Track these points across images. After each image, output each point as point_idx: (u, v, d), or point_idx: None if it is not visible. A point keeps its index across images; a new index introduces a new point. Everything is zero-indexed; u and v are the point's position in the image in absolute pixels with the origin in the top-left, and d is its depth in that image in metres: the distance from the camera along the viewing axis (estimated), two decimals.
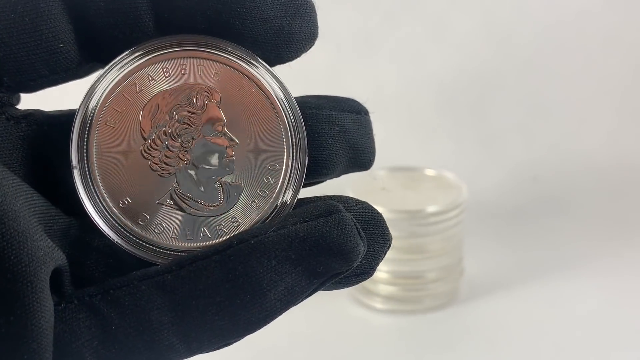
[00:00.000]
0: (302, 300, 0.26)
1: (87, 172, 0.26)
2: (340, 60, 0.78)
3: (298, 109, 0.27)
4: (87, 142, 0.26)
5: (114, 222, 0.27)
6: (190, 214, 0.27)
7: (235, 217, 0.27)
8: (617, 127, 0.80)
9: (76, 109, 0.27)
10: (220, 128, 0.27)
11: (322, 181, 0.29)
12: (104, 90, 0.26)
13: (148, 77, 0.27)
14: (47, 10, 0.26)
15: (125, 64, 0.26)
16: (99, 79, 0.27)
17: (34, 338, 0.23)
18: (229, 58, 0.27)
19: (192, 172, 0.27)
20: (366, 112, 0.29)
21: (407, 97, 0.80)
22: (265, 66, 0.27)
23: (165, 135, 0.27)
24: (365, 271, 0.27)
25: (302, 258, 0.25)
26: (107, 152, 0.27)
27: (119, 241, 0.27)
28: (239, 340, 0.25)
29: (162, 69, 0.27)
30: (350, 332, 0.58)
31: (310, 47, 0.27)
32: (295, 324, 0.53)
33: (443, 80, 0.80)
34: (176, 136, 0.27)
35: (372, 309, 0.60)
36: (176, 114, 0.27)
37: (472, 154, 0.79)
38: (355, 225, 0.25)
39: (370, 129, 0.29)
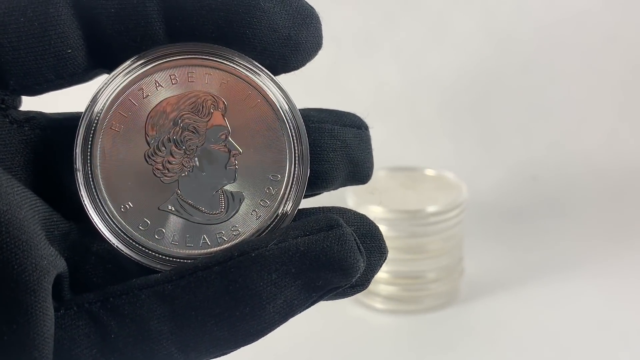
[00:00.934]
0: (299, 313, 0.26)
1: (90, 176, 0.26)
2: (340, 60, 0.78)
3: (302, 120, 0.27)
4: (91, 145, 0.26)
5: (114, 226, 0.27)
6: (191, 221, 0.27)
7: (236, 226, 0.27)
8: (617, 127, 0.80)
9: (80, 112, 0.27)
10: (224, 136, 0.27)
11: (320, 193, 0.30)
12: (111, 94, 0.27)
13: (155, 84, 0.27)
14: (57, 16, 0.26)
15: (133, 70, 0.27)
16: (105, 83, 0.27)
17: (35, 346, 0.23)
18: (235, 68, 0.27)
19: (194, 179, 0.27)
20: (366, 127, 0.30)
21: (407, 97, 0.80)
22: (270, 76, 0.27)
23: (170, 142, 0.27)
24: (360, 283, 0.27)
25: (302, 272, 0.25)
26: (111, 156, 0.27)
27: (119, 246, 0.27)
28: (237, 350, 0.26)
29: (170, 75, 0.27)
30: (350, 332, 0.58)
31: (314, 56, 0.28)
32: (295, 324, 0.53)
33: (443, 80, 0.80)
34: (180, 143, 0.27)
35: (372, 309, 0.60)
36: (181, 120, 0.27)
37: (472, 154, 0.79)
38: (355, 240, 0.26)
39: (370, 144, 0.30)
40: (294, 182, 0.27)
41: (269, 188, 0.27)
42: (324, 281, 0.25)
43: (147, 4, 0.26)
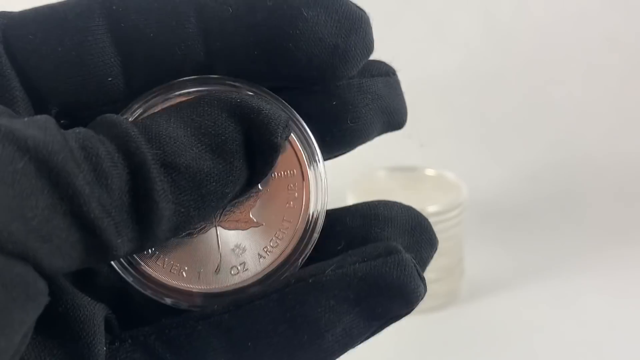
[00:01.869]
0: (359, 343, 0.25)
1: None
2: None
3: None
4: None
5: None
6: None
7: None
8: (617, 127, 0.80)
9: None
10: None
11: (354, 148, 0.29)
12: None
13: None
14: (95, 44, 0.25)
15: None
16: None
17: None
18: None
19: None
20: (394, 73, 0.28)
21: (407, 96, 0.80)
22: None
23: None
24: None
25: (361, 298, 0.24)
26: None
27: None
28: None
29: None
30: None
31: (365, 61, 0.27)
32: None
33: (443, 80, 0.80)
34: None
35: None
36: None
37: (472, 154, 0.78)
38: (415, 266, 0.25)
39: (400, 89, 0.29)
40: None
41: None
42: (384, 308, 0.24)
43: (187, 25, 0.25)
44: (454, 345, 0.56)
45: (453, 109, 0.80)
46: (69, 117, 0.26)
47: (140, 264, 0.26)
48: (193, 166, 0.23)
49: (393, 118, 0.28)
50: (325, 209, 0.27)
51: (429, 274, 0.27)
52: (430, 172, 0.65)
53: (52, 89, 0.25)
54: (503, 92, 0.80)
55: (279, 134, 0.24)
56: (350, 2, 0.26)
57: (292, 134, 0.27)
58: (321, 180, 0.27)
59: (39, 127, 0.21)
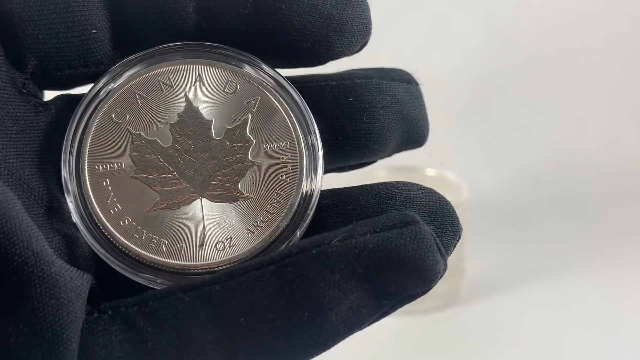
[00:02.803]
0: (368, 325, 0.22)
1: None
2: (340, 59, 0.78)
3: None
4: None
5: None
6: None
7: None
8: (617, 127, 0.80)
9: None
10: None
11: (373, 161, 0.27)
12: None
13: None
14: None
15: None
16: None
17: (54, 351, 0.21)
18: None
19: None
20: (417, 83, 0.27)
21: None
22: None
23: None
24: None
25: (371, 274, 0.21)
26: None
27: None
28: None
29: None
30: None
31: (363, 43, 0.26)
32: None
33: (443, 80, 0.80)
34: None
35: None
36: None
37: (472, 153, 0.78)
38: (435, 240, 0.22)
39: (423, 101, 0.27)
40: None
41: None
42: (397, 286, 0.21)
43: None
44: (454, 345, 0.56)
45: (453, 109, 0.80)
46: (46, 75, 0.25)
47: (114, 234, 0.24)
48: None
49: (413, 129, 0.27)
50: (321, 183, 0.25)
51: None
52: (430, 172, 0.65)
53: (33, 34, 0.24)
54: (503, 92, 0.80)
55: None
56: None
57: (284, 103, 0.26)
58: (316, 151, 0.25)
59: None
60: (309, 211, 0.25)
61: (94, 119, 0.25)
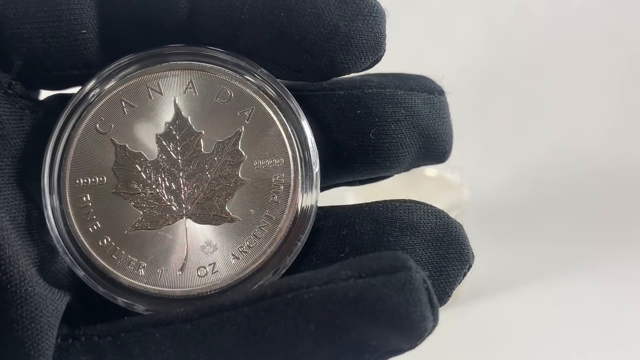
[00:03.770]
0: None
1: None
2: None
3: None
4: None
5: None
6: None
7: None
8: (617, 127, 0.80)
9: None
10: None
11: (388, 176, 0.24)
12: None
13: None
14: None
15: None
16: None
17: None
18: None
19: None
20: (440, 92, 0.25)
21: None
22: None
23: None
24: (438, 298, 0.21)
25: (350, 326, 0.19)
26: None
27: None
28: None
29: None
30: None
31: (374, 60, 0.23)
32: None
33: (444, 80, 0.79)
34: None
35: None
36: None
37: (473, 154, 0.78)
38: (427, 289, 0.19)
39: (446, 112, 0.24)
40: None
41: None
42: (380, 340, 0.19)
43: None
44: (454, 345, 0.56)
45: (453, 109, 0.80)
46: (36, 76, 0.23)
47: (92, 255, 0.23)
48: None
49: (432, 144, 0.24)
50: (316, 205, 0.23)
51: None
52: (430, 172, 0.65)
53: (18, 32, 0.22)
54: (503, 92, 0.80)
55: None
56: None
57: (281, 114, 0.23)
58: (313, 170, 0.23)
59: None
60: (300, 235, 0.23)
61: (76, 129, 0.24)
